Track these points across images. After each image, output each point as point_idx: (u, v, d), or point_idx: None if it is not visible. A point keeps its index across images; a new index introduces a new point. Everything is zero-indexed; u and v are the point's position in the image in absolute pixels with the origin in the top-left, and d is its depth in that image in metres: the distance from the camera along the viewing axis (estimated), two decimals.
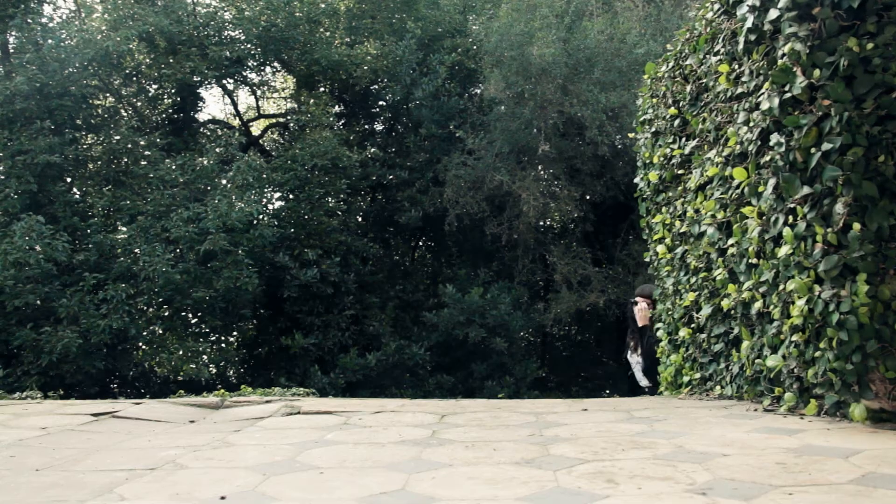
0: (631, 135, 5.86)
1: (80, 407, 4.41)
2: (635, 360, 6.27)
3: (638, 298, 6.23)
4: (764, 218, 3.59)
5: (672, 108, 4.86)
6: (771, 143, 3.39)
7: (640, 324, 6.13)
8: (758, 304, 3.73)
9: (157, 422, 3.93)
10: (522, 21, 13.39)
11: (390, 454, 2.80)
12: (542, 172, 14.63)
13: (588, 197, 14.93)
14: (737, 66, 3.89)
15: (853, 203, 3.07)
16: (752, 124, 3.63)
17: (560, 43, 13.14)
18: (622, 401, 4.60)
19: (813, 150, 3.16)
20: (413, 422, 3.55)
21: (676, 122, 4.85)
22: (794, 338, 3.36)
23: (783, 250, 3.33)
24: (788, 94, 3.26)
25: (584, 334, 18.66)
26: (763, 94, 3.45)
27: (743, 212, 3.79)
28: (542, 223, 15.29)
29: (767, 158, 3.50)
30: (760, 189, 3.59)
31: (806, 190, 3.21)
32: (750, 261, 3.79)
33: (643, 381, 6.24)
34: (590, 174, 14.14)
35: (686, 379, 4.97)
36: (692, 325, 4.81)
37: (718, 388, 4.48)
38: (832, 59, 3.10)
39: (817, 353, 3.23)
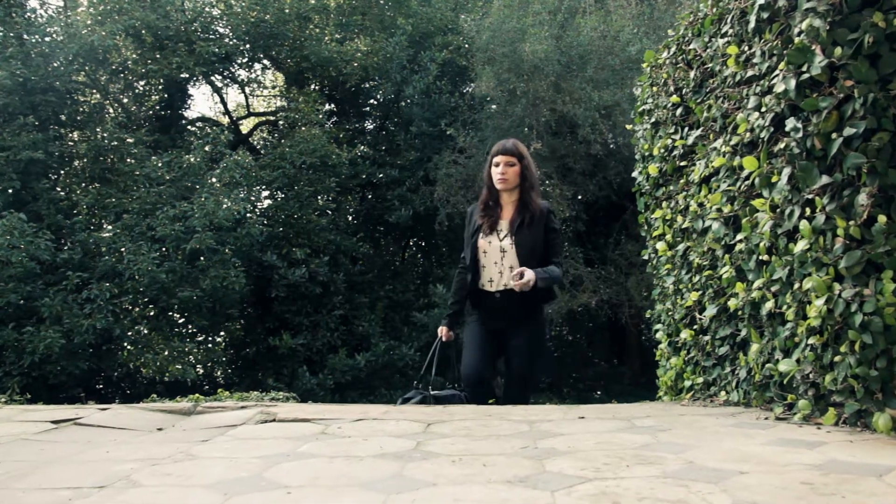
0: (629, 126, 5.59)
1: (42, 413, 4.11)
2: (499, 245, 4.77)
3: (499, 160, 4.65)
4: (777, 211, 3.32)
5: (674, 95, 4.59)
6: (786, 129, 3.12)
7: (497, 186, 4.73)
8: (769, 305, 3.46)
9: (121, 430, 3.63)
10: (514, 18, 13.16)
11: (369, 470, 2.52)
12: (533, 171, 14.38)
13: (580, 196, 14.70)
14: (747, 48, 3.62)
15: (878, 193, 2.80)
16: (764, 109, 3.36)
17: (552, 40, 12.92)
18: (621, 407, 4.33)
19: (833, 135, 2.90)
20: (396, 431, 3.27)
21: (679, 111, 4.58)
22: (811, 341, 3.09)
23: (799, 246, 3.06)
24: (806, 76, 2.99)
25: (576, 335, 18.45)
26: (777, 75, 3.18)
27: (753, 205, 3.52)
28: None
29: (781, 146, 3.23)
30: (773, 179, 3.32)
31: (825, 179, 2.95)
32: (760, 257, 3.52)
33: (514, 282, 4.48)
34: (582, 173, 13.93)
35: (687, 384, 4.71)
36: (694, 327, 4.55)
37: (723, 393, 4.21)
38: (855, 35, 2.83)
39: (837, 358, 2.97)
